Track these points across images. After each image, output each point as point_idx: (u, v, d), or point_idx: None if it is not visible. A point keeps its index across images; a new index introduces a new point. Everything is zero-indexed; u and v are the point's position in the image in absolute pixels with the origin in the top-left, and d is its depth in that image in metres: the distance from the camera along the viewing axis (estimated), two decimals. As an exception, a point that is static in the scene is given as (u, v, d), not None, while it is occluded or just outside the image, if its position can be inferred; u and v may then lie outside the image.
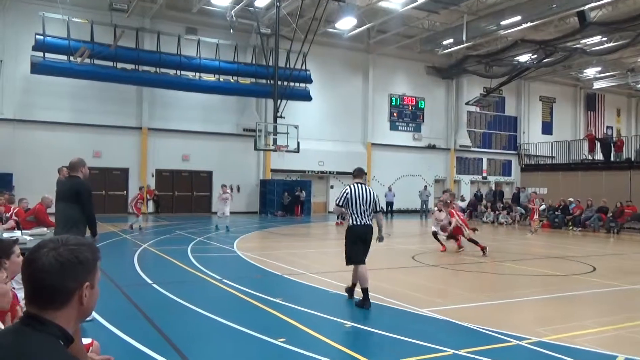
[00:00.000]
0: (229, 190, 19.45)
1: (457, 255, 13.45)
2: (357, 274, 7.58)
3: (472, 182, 37.20)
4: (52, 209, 7.42)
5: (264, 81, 26.97)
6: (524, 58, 29.82)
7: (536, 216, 20.75)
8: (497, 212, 26.33)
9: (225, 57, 26.79)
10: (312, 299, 8.10)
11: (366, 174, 7.60)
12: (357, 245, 7.57)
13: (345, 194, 7.59)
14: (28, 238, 7.45)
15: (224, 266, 11.22)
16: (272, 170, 29.88)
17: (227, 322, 6.33)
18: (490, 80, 32.28)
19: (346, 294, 7.92)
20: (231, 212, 19.35)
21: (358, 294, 7.67)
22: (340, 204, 7.60)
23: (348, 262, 7.68)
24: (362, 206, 7.51)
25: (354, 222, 7.55)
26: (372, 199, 7.56)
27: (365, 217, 7.54)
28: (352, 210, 7.53)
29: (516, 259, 13.23)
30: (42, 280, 1.59)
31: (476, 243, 13.47)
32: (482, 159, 37.95)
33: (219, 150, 28.45)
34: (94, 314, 6.35)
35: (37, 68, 22.18)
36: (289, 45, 25.15)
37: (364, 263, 7.56)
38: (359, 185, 7.63)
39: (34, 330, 1.57)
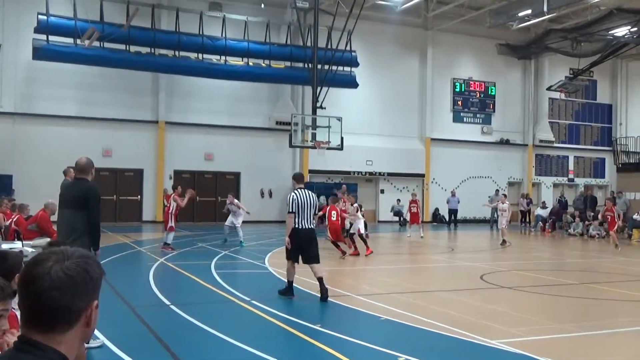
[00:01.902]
0: (236, 201, 18.83)
1: (535, 276, 13.17)
2: (292, 270, 9.72)
3: (555, 186, 36.34)
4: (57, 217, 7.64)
5: (301, 65, 27.11)
6: (620, 32, 28.89)
7: (615, 228, 19.91)
8: (587, 222, 25.60)
9: (255, 37, 27.08)
10: (358, 326, 8.08)
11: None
12: (299, 246, 9.59)
13: (293, 200, 9.53)
14: (30, 250, 7.73)
15: (254, 285, 11.32)
16: (311, 172, 29.99)
17: (256, 352, 6.38)
18: (577, 60, 31.39)
19: (284, 296, 9.61)
20: (262, 221, 19.48)
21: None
22: (293, 210, 9.52)
23: (287, 258, 9.77)
24: (307, 211, 9.55)
25: (299, 226, 9.55)
26: (314, 204, 9.70)
27: (309, 221, 9.60)
28: (298, 214, 9.51)
29: (612, 280, 12.85)
30: (51, 300, 1.61)
31: (338, 246, 15.42)
32: (567, 156, 37.03)
33: (247, 148, 28.78)
34: (103, 339, 6.52)
35: (40, 53, 22.99)
36: (330, 22, 25.18)
37: (312, 262, 9.62)
38: (303, 190, 9.71)
39: (32, 357, 1.61)
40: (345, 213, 16.25)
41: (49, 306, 1.61)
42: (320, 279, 9.38)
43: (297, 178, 10.06)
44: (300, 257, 9.70)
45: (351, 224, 16.79)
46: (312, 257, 9.61)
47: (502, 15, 29.97)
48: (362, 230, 16.89)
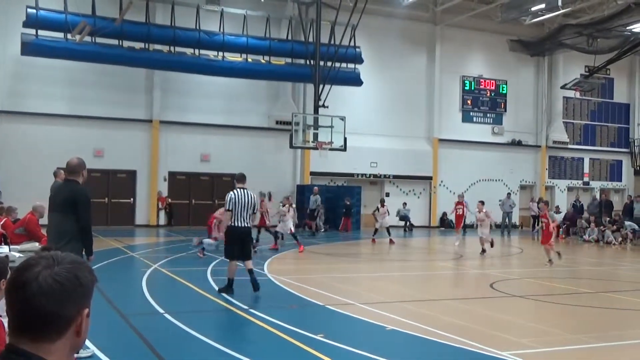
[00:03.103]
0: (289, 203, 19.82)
1: (548, 284, 13.16)
2: (234, 268, 10.71)
3: (569, 189, 36.29)
4: (46, 220, 7.66)
5: (302, 62, 27.12)
6: (639, 27, 28.90)
7: (553, 238, 16.84)
8: (603, 228, 25.58)
9: (254, 32, 27.10)
10: (361, 336, 8.07)
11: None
12: (237, 245, 10.62)
13: (230, 199, 10.55)
14: (17, 255, 7.75)
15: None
16: (312, 174, 29.99)
17: (255, 363, 6.38)
18: (593, 57, 31.41)
19: (225, 294, 10.47)
20: (261, 226, 19.58)
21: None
22: (230, 207, 10.51)
23: (228, 257, 10.82)
24: (243, 209, 10.49)
25: (235, 224, 10.52)
26: (252, 203, 10.64)
27: (245, 219, 10.58)
28: (235, 213, 10.48)
29: (630, 289, 12.82)
30: (39, 306, 1.61)
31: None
32: (582, 159, 36.98)
33: (246, 149, 28.78)
34: (93, 349, 6.53)
35: (29, 48, 23.03)
36: (333, 16, 25.21)
37: (239, 259, 10.73)
38: (242, 190, 10.66)
39: (19, 367, 1.61)
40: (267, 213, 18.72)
41: (37, 313, 1.62)
42: (250, 270, 10.67)
43: (238, 178, 11.02)
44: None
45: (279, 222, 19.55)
46: (246, 255, 10.77)
47: (514, 10, 29.98)
48: (293, 230, 19.31)
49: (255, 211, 10.82)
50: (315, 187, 26.75)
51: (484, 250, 19.16)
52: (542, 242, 16.91)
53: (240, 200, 10.47)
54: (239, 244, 10.64)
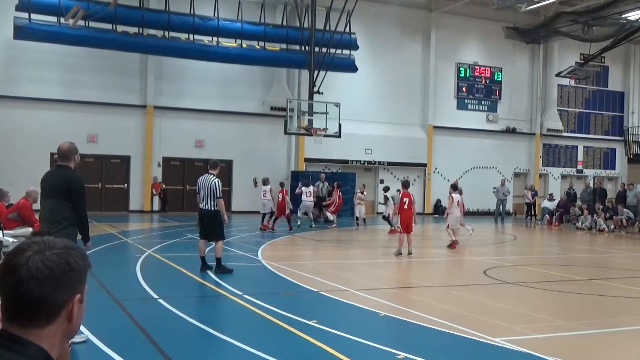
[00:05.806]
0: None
1: (541, 271, 13.22)
2: (202, 248, 11.60)
3: (563, 177, 36.40)
4: (39, 205, 7.63)
5: (297, 47, 27.00)
6: (634, 15, 28.87)
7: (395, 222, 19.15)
8: (596, 215, 25.69)
9: (249, 17, 26.98)
10: (355, 322, 8.11)
11: (220, 166, 12.10)
12: (199, 225, 11.87)
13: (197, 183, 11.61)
14: (10, 240, 7.73)
15: (246, 279, 11.33)
16: (307, 160, 29.97)
17: (248, 349, 6.40)
18: (589, 45, 31.38)
19: (209, 270, 11.31)
20: (255, 212, 19.54)
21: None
22: (197, 191, 11.54)
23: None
24: (201, 192, 11.31)
25: (199, 205, 11.45)
26: (207, 187, 11.17)
27: (202, 201, 11.28)
28: (199, 195, 11.41)
29: (623, 276, 12.90)
30: (28, 291, 1.61)
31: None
32: (576, 146, 37.06)
33: (240, 135, 28.74)
34: (88, 334, 6.53)
35: (21, 32, 22.85)
36: (329, 2, 25.08)
37: (203, 238, 11.61)
38: (207, 175, 11.40)
39: (11, 352, 1.60)
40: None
41: (26, 298, 1.62)
42: (218, 259, 11.18)
43: (210, 164, 11.75)
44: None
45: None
46: (207, 236, 11.48)
47: (510, -4, 29.84)
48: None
49: (216, 195, 11.11)
50: (322, 174, 26.76)
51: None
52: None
53: (199, 185, 11.37)
54: (200, 224, 11.78)
